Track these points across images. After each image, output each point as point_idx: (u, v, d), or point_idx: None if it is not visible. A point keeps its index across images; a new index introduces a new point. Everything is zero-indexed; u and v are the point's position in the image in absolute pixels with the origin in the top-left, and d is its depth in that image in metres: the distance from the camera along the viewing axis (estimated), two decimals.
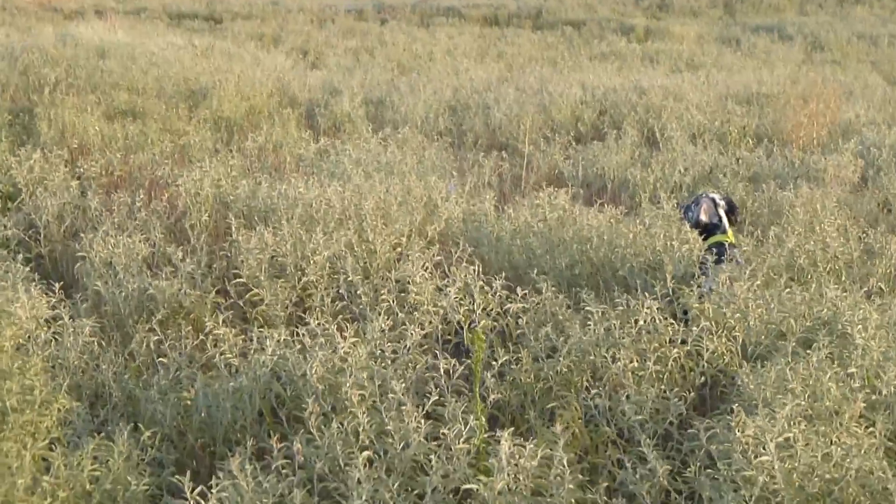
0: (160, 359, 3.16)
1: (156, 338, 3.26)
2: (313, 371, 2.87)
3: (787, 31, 16.44)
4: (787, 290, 3.43)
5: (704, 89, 9.13)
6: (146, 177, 5.85)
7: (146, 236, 4.29)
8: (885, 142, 6.75)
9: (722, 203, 4.32)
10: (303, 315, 3.78)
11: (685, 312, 3.46)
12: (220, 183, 5.20)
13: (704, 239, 4.16)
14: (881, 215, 5.36)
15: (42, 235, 4.77)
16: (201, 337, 3.27)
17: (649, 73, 10.96)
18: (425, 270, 3.74)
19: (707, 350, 3.03)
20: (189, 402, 2.93)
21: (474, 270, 3.61)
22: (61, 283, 3.67)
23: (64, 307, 3.37)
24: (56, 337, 3.24)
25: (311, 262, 4.03)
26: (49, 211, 4.81)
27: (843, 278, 3.97)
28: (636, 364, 2.97)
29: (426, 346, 3.29)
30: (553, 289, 3.63)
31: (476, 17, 19.85)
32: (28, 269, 3.81)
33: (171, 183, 5.20)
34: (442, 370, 2.93)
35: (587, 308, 3.29)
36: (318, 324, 3.17)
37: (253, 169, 6.05)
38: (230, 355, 3.05)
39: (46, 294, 3.48)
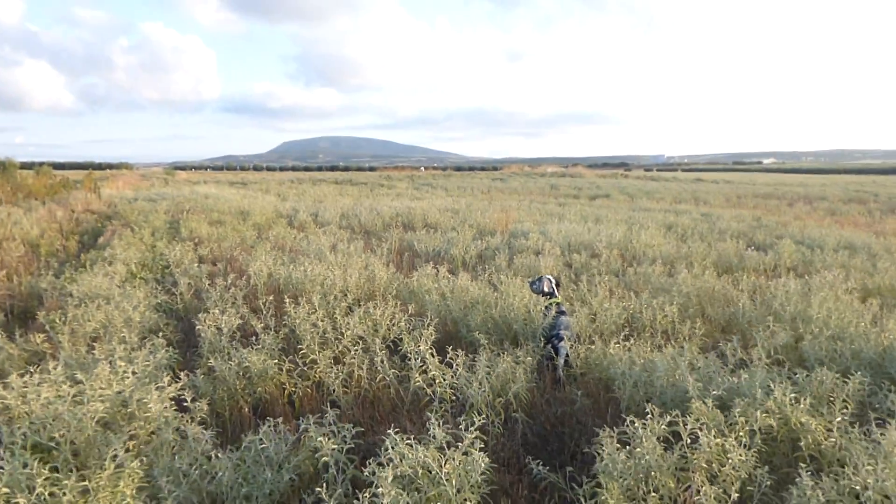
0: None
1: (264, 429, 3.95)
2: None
3: (433, 185, 43.04)
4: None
5: (429, 207, 18.82)
6: (228, 254, 11.69)
7: (236, 311, 6.47)
8: (550, 232, 13.57)
9: (554, 280, 6.26)
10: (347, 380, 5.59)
11: (556, 351, 5.14)
12: (271, 269, 8.50)
13: (547, 300, 6.07)
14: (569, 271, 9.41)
15: (179, 294, 8.11)
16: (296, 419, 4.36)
17: (405, 201, 22.05)
18: (429, 347, 4.97)
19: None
20: None
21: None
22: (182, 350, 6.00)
23: (185, 388, 4.52)
24: (180, 435, 4.07)
25: (344, 335, 5.74)
26: (183, 282, 8.29)
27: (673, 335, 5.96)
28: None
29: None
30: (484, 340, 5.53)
31: (331, 180, 49.86)
32: (167, 334, 6.26)
33: (243, 264, 10.25)
34: None
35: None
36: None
37: (275, 249, 11.84)
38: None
39: (175, 374, 5.00)
